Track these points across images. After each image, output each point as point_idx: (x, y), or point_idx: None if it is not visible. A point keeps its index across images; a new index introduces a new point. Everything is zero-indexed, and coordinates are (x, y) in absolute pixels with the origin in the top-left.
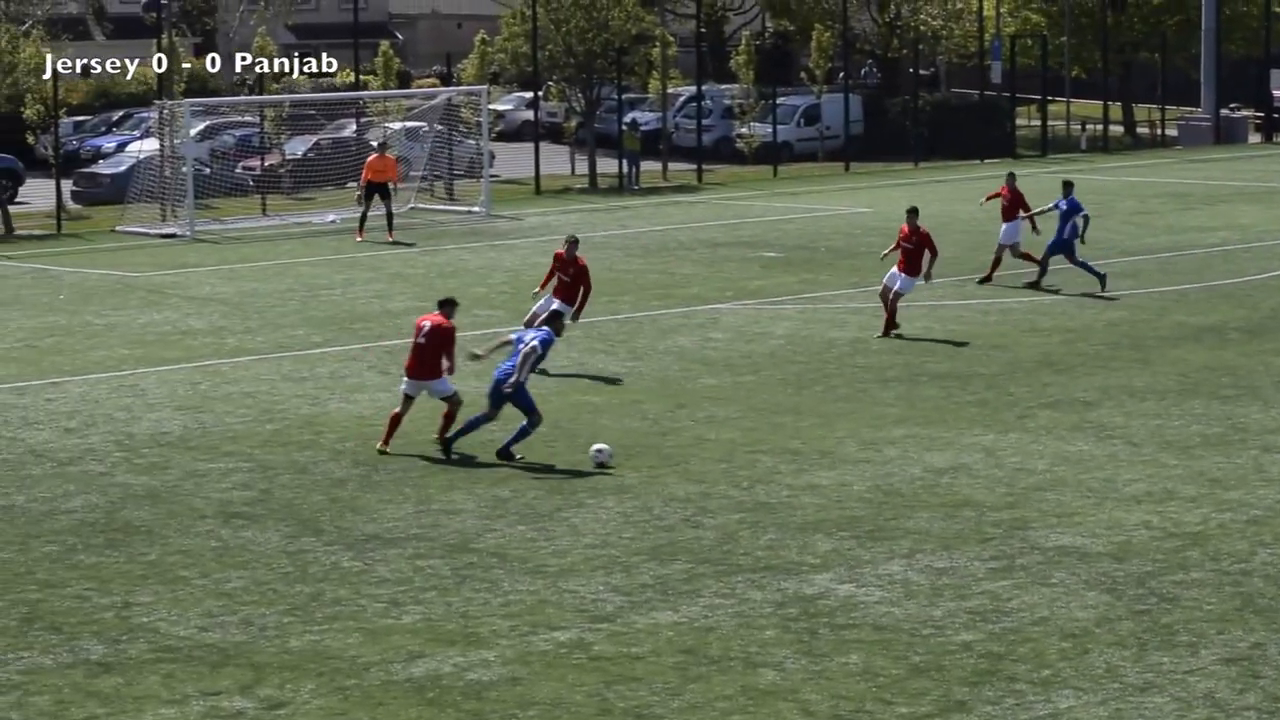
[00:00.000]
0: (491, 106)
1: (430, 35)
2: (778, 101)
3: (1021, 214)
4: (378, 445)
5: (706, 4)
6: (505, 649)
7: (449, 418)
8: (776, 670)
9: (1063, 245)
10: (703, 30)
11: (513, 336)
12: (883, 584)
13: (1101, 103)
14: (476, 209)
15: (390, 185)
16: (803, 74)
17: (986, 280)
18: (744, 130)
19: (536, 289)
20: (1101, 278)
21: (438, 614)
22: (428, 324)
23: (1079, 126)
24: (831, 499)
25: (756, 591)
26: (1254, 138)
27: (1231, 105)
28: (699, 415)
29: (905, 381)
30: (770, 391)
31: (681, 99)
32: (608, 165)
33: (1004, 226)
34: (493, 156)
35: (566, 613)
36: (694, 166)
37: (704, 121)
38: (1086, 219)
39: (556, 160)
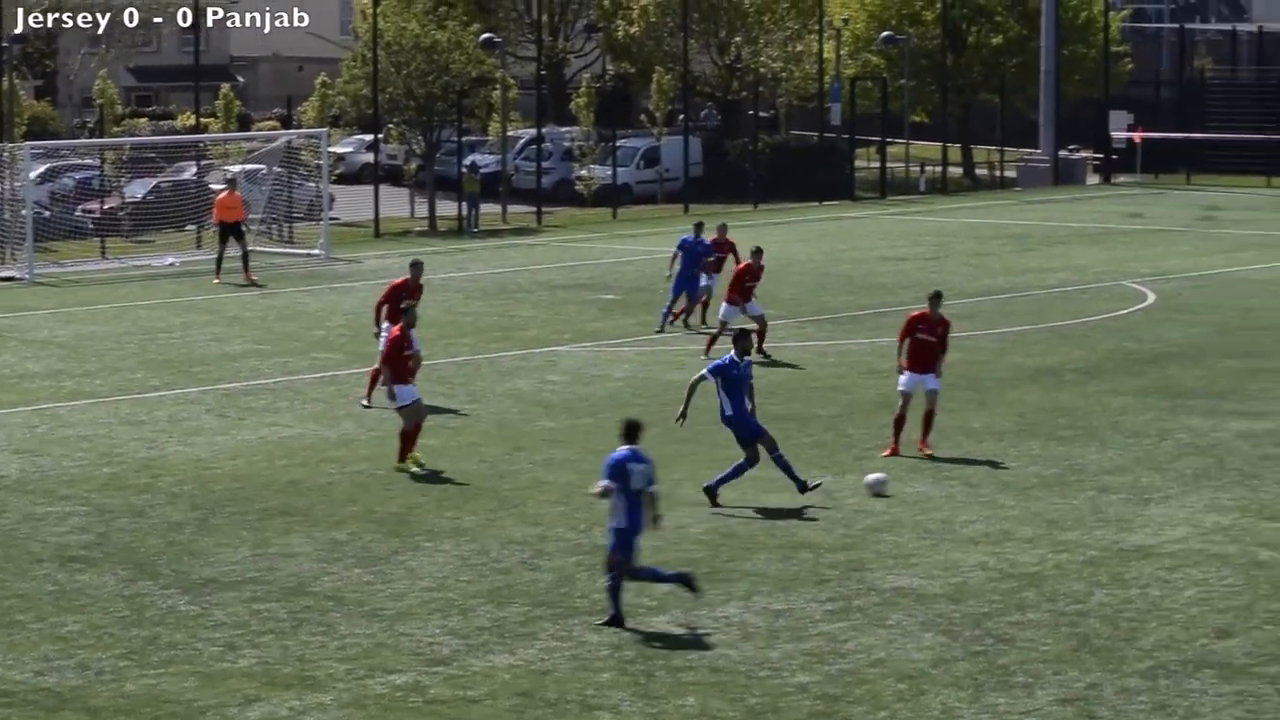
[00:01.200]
0: (331, 149)
1: (271, 78)
2: (617, 144)
3: None
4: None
5: (547, 47)
6: (341, 692)
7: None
8: (613, 713)
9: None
10: (543, 73)
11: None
12: (719, 626)
13: (941, 144)
14: (316, 252)
15: (242, 225)
16: (643, 116)
17: None
18: (583, 173)
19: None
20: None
21: (274, 657)
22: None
23: (918, 168)
24: (669, 541)
25: (593, 634)
26: (1092, 179)
27: (1070, 147)
28: (537, 458)
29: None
30: (608, 434)
31: (522, 141)
32: (447, 208)
33: None
34: (332, 199)
35: (403, 656)
36: (534, 209)
37: (544, 164)
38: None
39: (396, 203)
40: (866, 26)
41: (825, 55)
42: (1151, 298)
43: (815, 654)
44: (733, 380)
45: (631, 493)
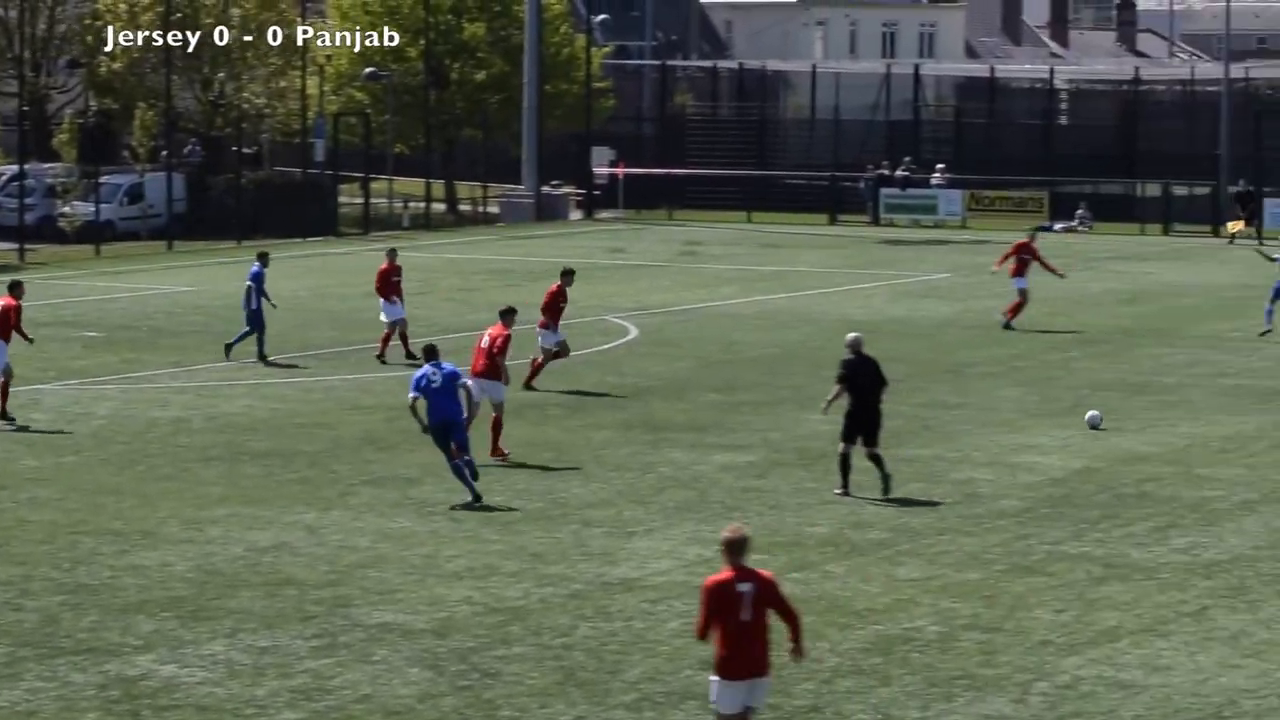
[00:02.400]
0: None
1: None
2: (101, 180)
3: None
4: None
5: (29, 83)
6: None
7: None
8: None
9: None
10: (25, 109)
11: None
12: (205, 664)
13: (424, 180)
14: None
15: None
16: (126, 153)
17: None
18: (66, 209)
19: None
20: None
21: None
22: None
23: (401, 204)
24: (154, 579)
25: (79, 674)
26: (575, 214)
27: (553, 182)
28: (20, 497)
29: (228, 460)
30: (92, 472)
31: (4, 178)
32: None
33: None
34: None
35: None
36: (16, 246)
37: (26, 200)
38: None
39: None
40: (350, 63)
41: (309, 91)
42: (634, 332)
43: (302, 690)
44: (433, 391)
45: (435, 392)
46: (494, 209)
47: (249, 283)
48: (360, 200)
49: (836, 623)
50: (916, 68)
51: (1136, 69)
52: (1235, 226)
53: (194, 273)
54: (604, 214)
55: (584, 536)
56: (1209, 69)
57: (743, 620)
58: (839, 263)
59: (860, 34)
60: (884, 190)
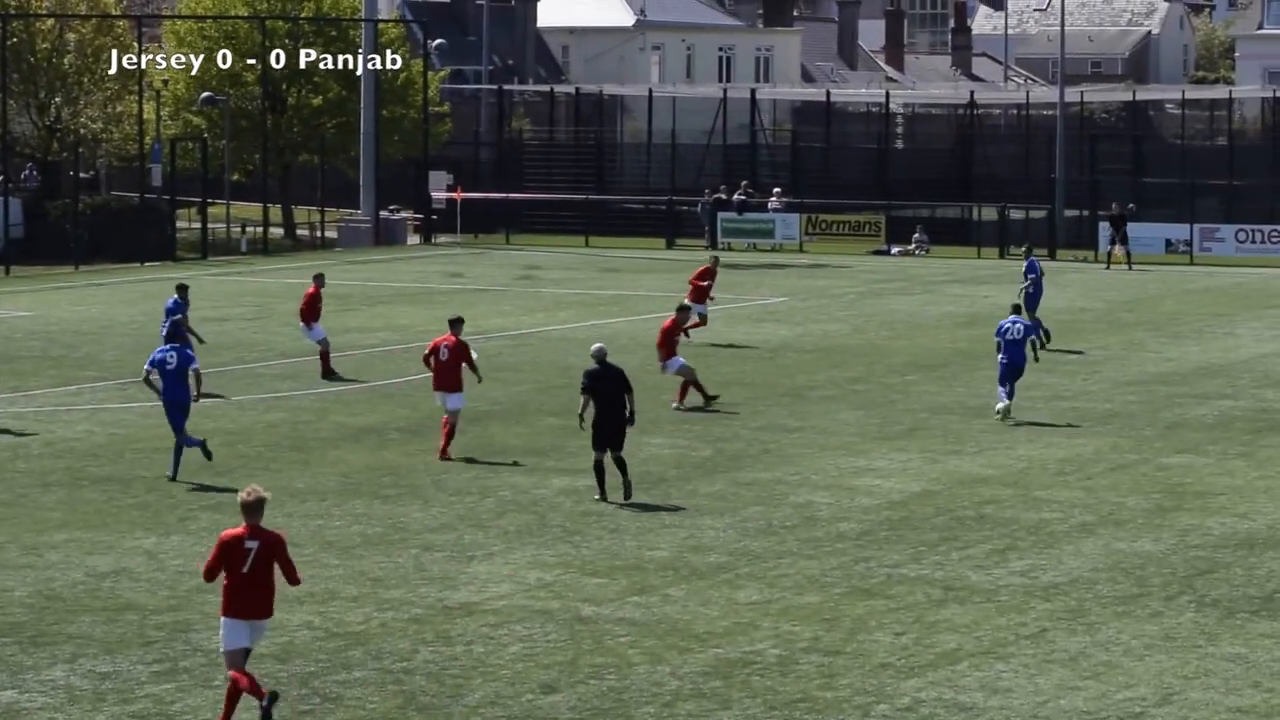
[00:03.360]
0: None
1: None
2: None
3: None
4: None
5: None
6: None
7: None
8: None
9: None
10: None
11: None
12: (45, 690)
13: (262, 205)
14: None
15: None
16: None
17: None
18: None
19: None
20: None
21: None
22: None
23: (239, 229)
24: None
25: None
26: (413, 239)
27: (391, 207)
28: None
29: (67, 485)
30: None
31: None
32: None
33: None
34: None
35: None
36: None
37: None
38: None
39: None
40: (187, 87)
41: (146, 116)
42: (473, 356)
43: (142, 716)
44: (167, 372)
45: (169, 374)
46: (332, 234)
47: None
48: (198, 225)
49: (677, 646)
50: (753, 92)
51: (972, 93)
52: (1119, 255)
53: (31, 298)
54: (442, 239)
55: (424, 561)
56: (1044, 93)
57: (244, 571)
58: (678, 287)
59: (696, 58)
60: (721, 214)
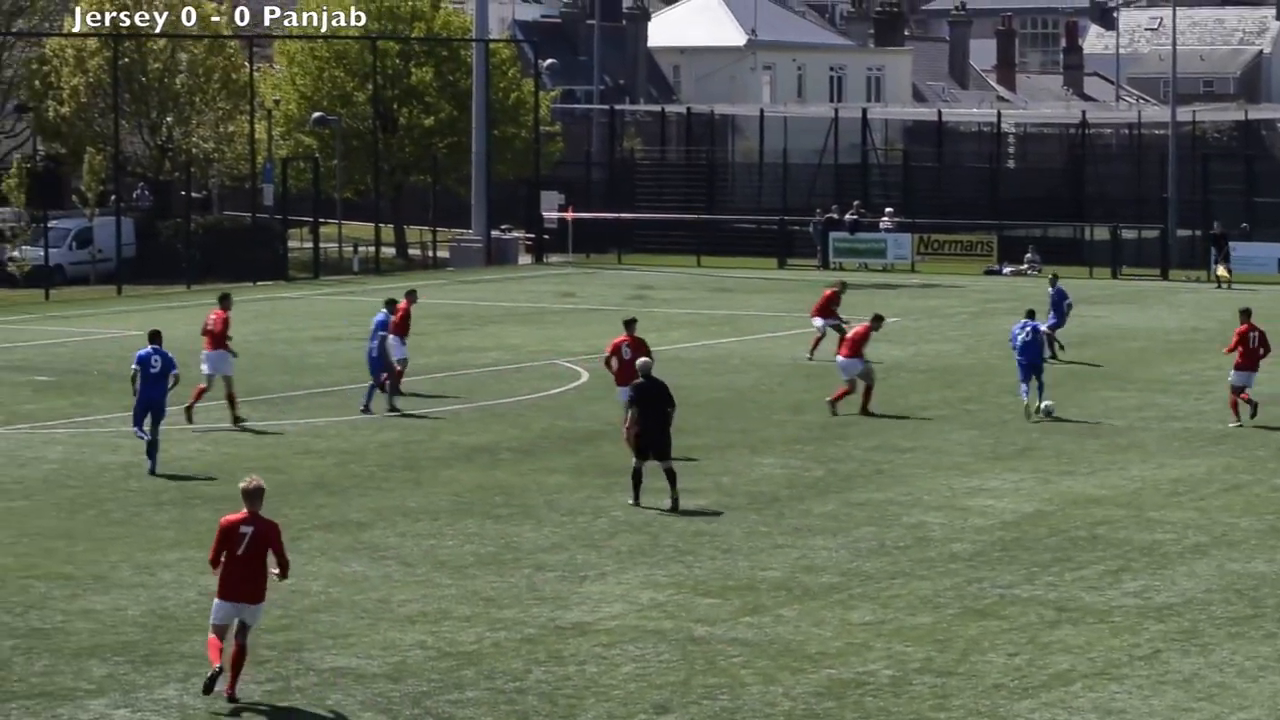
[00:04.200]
0: None
1: None
2: (49, 224)
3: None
4: None
5: None
6: None
7: None
8: None
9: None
10: None
11: None
12: (158, 709)
13: (373, 225)
14: None
15: None
16: (75, 197)
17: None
18: (15, 254)
19: None
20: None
21: None
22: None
23: (351, 248)
24: (106, 624)
25: (30, 719)
26: (525, 259)
27: (503, 227)
28: None
29: (179, 505)
30: (43, 517)
31: None
32: None
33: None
34: None
35: None
36: None
37: None
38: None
39: None
40: (298, 107)
41: (257, 136)
42: (585, 376)
43: None
44: (150, 373)
45: (151, 375)
46: (444, 254)
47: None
48: (310, 245)
49: (789, 667)
50: (864, 111)
51: (1083, 112)
52: (1224, 272)
53: (143, 317)
54: (553, 258)
55: (537, 581)
56: (1156, 112)
57: (239, 554)
58: (788, 306)
59: (807, 78)
60: (833, 234)
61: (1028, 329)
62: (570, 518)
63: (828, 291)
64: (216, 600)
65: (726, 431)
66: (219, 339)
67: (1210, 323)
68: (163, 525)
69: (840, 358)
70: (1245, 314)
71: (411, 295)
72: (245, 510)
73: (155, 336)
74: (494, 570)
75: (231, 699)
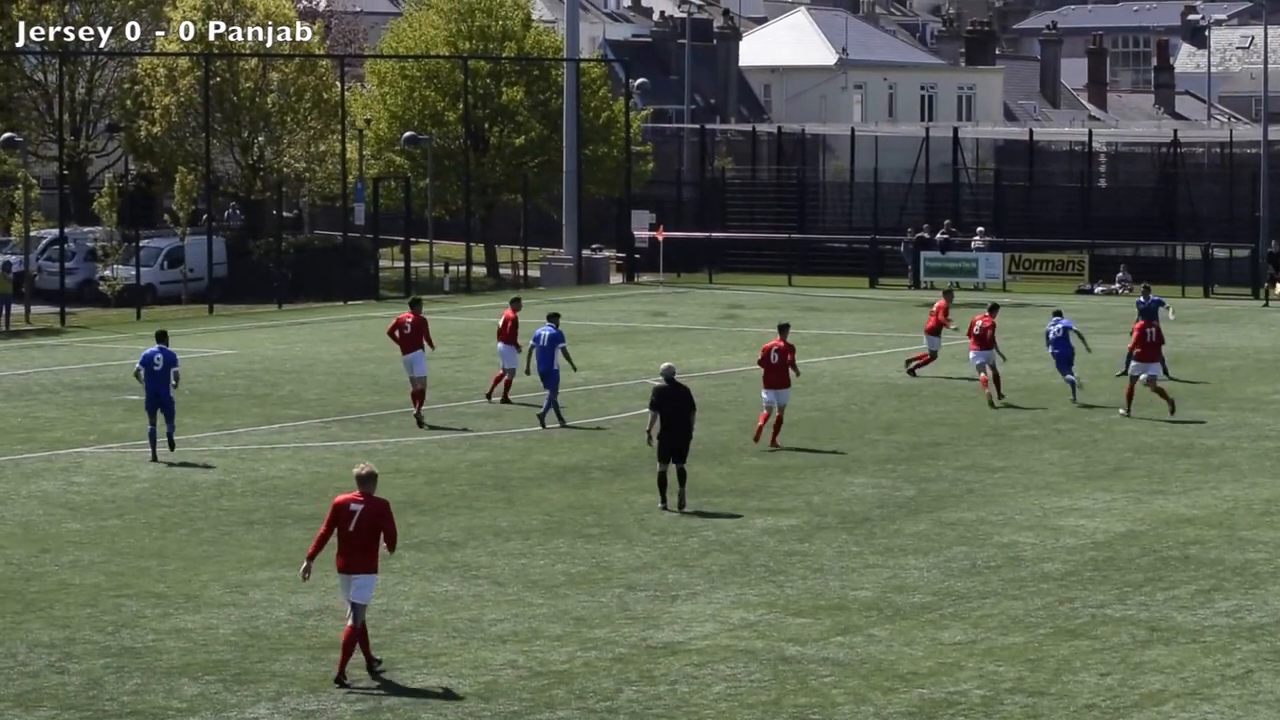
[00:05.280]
0: None
1: None
2: (141, 244)
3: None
4: None
5: (69, 146)
6: None
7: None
8: None
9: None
10: (65, 172)
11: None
12: None
13: (464, 244)
14: None
15: None
16: (166, 216)
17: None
18: (107, 273)
19: None
20: None
21: None
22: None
23: (442, 268)
24: (198, 642)
25: None
26: (616, 278)
27: (594, 246)
28: (63, 560)
29: (270, 524)
30: (135, 535)
31: (45, 241)
32: None
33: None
34: None
35: None
36: (57, 309)
37: (67, 264)
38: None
39: None
40: (389, 126)
41: (348, 155)
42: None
43: None
44: (153, 371)
45: (154, 373)
46: (535, 273)
47: (544, 345)
48: (400, 264)
49: (881, 686)
50: (955, 130)
51: (1175, 131)
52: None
53: (235, 336)
54: (644, 277)
55: (628, 600)
56: (1247, 131)
57: (349, 530)
58: (880, 326)
59: (898, 97)
60: (924, 253)
61: (1058, 325)
62: (661, 537)
63: (941, 303)
64: (339, 575)
65: (818, 451)
66: (509, 335)
67: None
68: (254, 544)
69: (973, 353)
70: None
71: (516, 303)
72: (358, 491)
73: (161, 336)
74: (585, 590)
75: (339, 681)
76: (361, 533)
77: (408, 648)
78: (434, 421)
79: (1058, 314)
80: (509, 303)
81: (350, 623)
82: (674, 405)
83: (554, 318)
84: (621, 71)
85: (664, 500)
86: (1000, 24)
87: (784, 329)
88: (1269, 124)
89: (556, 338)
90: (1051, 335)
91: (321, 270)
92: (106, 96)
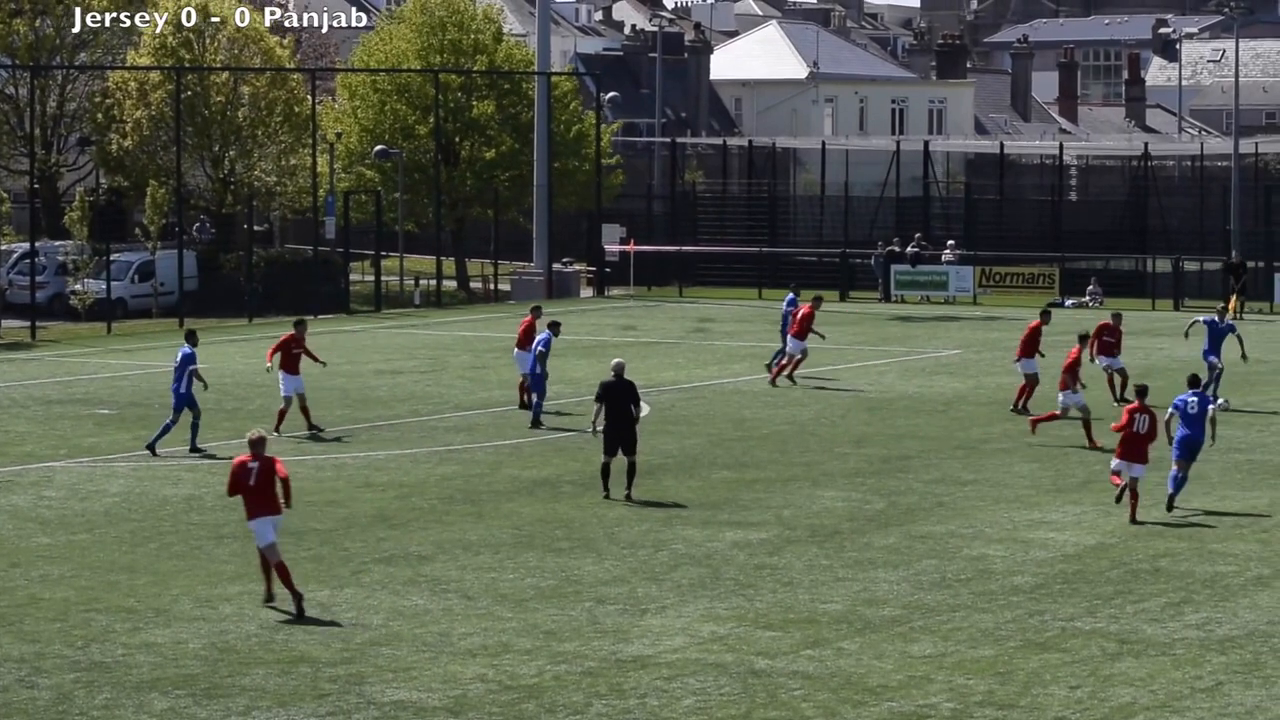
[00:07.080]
0: None
1: None
2: (112, 258)
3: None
4: None
5: (40, 160)
6: None
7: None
8: None
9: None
10: (36, 186)
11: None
12: None
13: (435, 258)
14: None
15: None
16: (137, 230)
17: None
18: (78, 287)
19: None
20: None
21: None
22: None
23: (412, 281)
24: (167, 657)
25: None
26: (586, 291)
27: (564, 259)
28: (33, 574)
29: (240, 538)
30: (105, 550)
31: (15, 255)
32: None
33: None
34: None
35: None
36: (28, 323)
37: (38, 278)
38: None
39: None
40: (360, 140)
41: (319, 169)
42: (645, 409)
43: None
44: (181, 371)
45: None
46: (505, 286)
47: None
48: (371, 278)
49: (851, 699)
50: (926, 144)
51: (1146, 144)
52: (1233, 305)
53: (205, 350)
54: (615, 291)
55: (598, 614)
56: (1218, 144)
57: (251, 485)
58: (850, 339)
59: (869, 110)
60: (895, 267)
61: (1193, 400)
62: (631, 550)
63: (805, 307)
64: (250, 522)
65: (788, 464)
66: (524, 342)
67: (1274, 354)
68: (224, 559)
69: (1022, 360)
70: (1081, 337)
71: (536, 311)
72: (250, 453)
73: (191, 337)
74: (555, 603)
75: (267, 601)
76: (261, 485)
77: (377, 661)
78: (404, 436)
79: (1194, 384)
80: (529, 310)
81: (271, 559)
82: (616, 398)
83: (554, 325)
84: (592, 85)
85: (606, 490)
86: (971, 37)
87: (817, 301)
88: (1239, 137)
89: (543, 343)
90: (1188, 411)
91: (292, 284)
92: (78, 110)
